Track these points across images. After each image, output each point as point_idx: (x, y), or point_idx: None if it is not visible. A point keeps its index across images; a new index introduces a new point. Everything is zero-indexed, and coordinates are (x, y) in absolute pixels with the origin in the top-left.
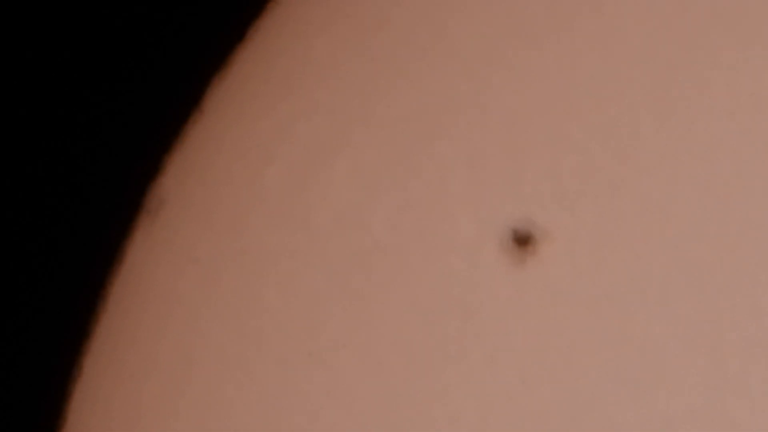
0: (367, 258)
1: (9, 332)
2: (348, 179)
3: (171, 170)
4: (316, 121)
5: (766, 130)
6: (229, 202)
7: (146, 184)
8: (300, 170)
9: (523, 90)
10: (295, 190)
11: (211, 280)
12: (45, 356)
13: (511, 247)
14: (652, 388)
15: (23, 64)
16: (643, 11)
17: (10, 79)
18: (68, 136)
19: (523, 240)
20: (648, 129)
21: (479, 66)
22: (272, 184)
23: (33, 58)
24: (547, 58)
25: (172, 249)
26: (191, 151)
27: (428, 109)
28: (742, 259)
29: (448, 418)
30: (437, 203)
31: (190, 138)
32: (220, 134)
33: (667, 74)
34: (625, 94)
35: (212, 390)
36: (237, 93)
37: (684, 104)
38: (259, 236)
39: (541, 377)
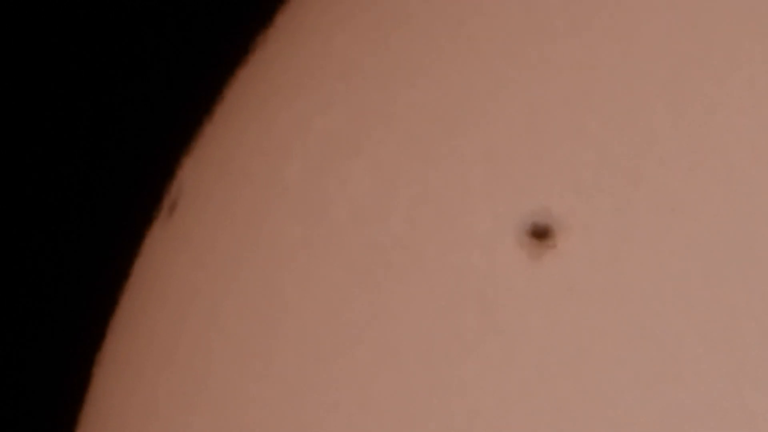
0: (384, 252)
1: (24, 326)
2: (366, 173)
3: (189, 165)
4: (335, 115)
5: None
6: (247, 196)
7: (164, 178)
8: (318, 164)
9: (541, 83)
10: (314, 184)
11: (229, 275)
12: (62, 351)
13: (529, 241)
14: (671, 381)
15: (44, 57)
16: (661, 4)
17: (33, 73)
18: (87, 130)
19: (540, 233)
20: (666, 121)
21: (497, 59)
22: (290, 178)
23: (52, 52)
24: (565, 51)
25: (190, 244)
26: (209, 146)
27: (446, 103)
28: (761, 251)
29: (466, 412)
30: (455, 196)
31: (208, 133)
32: (239, 129)
33: (685, 67)
34: (643, 86)
35: (231, 385)
36: (255, 87)
37: (702, 97)
38: (277, 231)
39: (559, 371)
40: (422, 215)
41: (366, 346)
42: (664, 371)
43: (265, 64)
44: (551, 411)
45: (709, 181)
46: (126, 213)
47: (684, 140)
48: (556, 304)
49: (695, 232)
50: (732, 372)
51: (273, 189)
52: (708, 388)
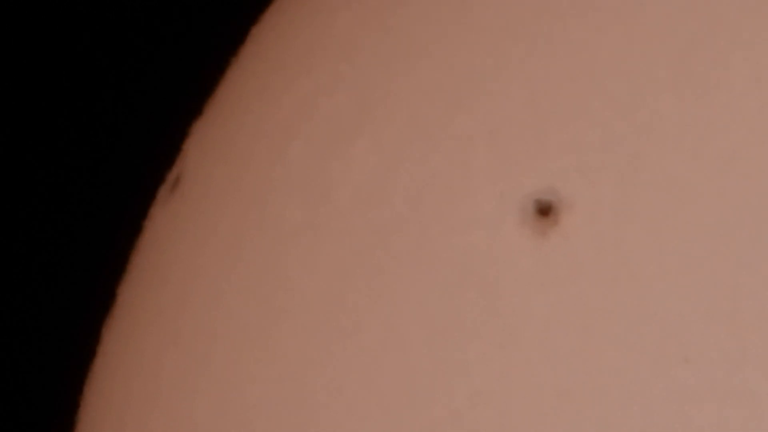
0: (388, 232)
1: (27, 306)
2: (369, 154)
3: (192, 145)
4: (338, 95)
5: None
6: (250, 177)
7: (167, 158)
8: (321, 144)
9: (545, 63)
10: (317, 164)
11: (232, 255)
12: (64, 332)
13: (533, 219)
14: (674, 361)
15: (50, 38)
16: None
17: (37, 53)
18: (91, 109)
19: (544, 211)
20: (670, 102)
21: (500, 39)
22: (293, 158)
23: (57, 33)
24: (569, 30)
25: (193, 224)
26: (212, 125)
27: (449, 83)
28: (764, 232)
29: (469, 393)
30: (458, 176)
31: (211, 112)
32: (242, 109)
33: (689, 48)
34: (647, 66)
35: (233, 367)
36: (259, 67)
37: (706, 78)
38: (280, 211)
39: (563, 350)
40: (425, 195)
41: (369, 327)
42: (667, 351)
43: (269, 44)
44: (554, 391)
45: (712, 162)
46: (129, 192)
47: (688, 121)
48: (559, 284)
49: (698, 212)
50: (735, 352)
51: (276, 169)
52: (711, 369)
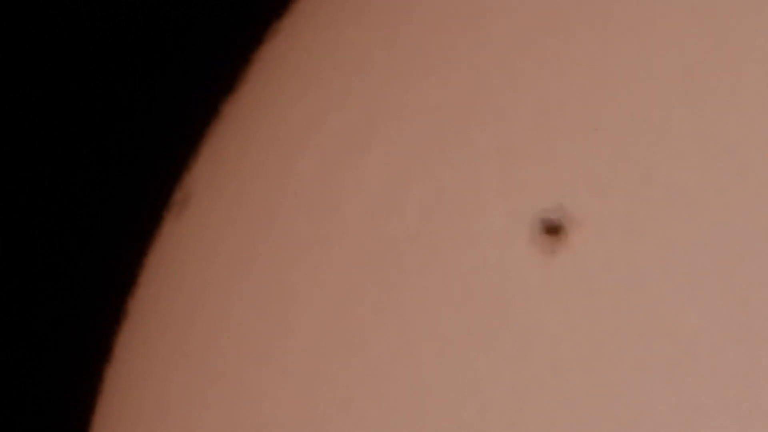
0: (398, 248)
1: (36, 324)
2: (379, 169)
3: (201, 160)
4: (348, 110)
5: None
6: (260, 191)
7: (176, 173)
8: (332, 160)
9: (554, 79)
10: (327, 179)
11: (242, 270)
12: (74, 349)
13: (542, 237)
14: (684, 377)
15: (57, 50)
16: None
17: (46, 68)
18: (100, 125)
19: (553, 229)
20: (680, 118)
21: (510, 54)
22: (304, 173)
23: (66, 44)
24: (579, 47)
25: (202, 239)
26: (222, 141)
27: (460, 99)
28: None
29: (479, 408)
30: (468, 192)
31: (221, 128)
32: (252, 124)
33: (699, 64)
34: (657, 83)
35: (243, 381)
36: (269, 82)
37: (716, 94)
38: (290, 226)
39: (573, 366)
40: (436, 211)
41: (379, 341)
42: (676, 367)
43: (279, 59)
44: (564, 406)
45: (722, 178)
46: (138, 208)
47: (697, 137)
48: (568, 300)
49: (708, 228)
50: (745, 367)
51: (286, 184)
52: (721, 384)
